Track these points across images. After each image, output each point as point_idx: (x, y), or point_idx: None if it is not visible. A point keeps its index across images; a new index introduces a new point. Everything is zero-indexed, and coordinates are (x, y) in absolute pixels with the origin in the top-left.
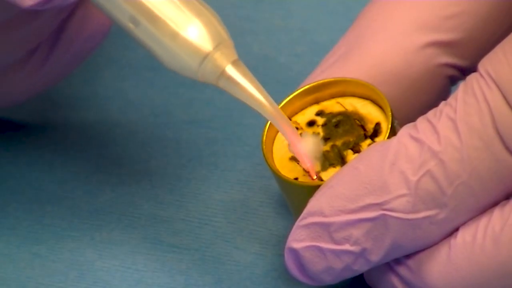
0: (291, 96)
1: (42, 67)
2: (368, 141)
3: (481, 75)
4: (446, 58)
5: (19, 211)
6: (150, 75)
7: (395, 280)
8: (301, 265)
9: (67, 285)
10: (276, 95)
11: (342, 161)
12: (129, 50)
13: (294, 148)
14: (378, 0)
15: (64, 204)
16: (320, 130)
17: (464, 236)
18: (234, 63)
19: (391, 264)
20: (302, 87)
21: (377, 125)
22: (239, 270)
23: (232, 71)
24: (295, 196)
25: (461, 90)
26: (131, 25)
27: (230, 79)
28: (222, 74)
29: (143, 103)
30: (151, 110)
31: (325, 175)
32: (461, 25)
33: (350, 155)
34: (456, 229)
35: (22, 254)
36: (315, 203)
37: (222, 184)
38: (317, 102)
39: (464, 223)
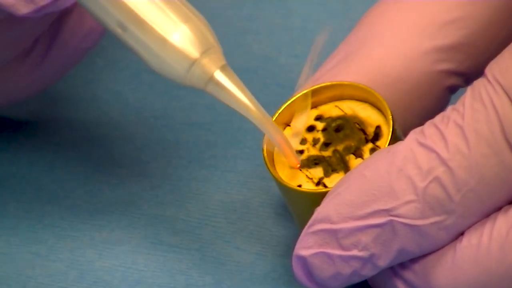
0: (289, 102)
1: (40, 65)
2: (370, 145)
3: (488, 80)
4: (446, 64)
5: (19, 211)
6: (151, 78)
7: (400, 284)
8: (309, 272)
9: (67, 285)
10: (276, 95)
11: (345, 166)
12: (130, 52)
13: (283, 151)
14: (379, 4)
15: (64, 204)
16: (320, 135)
17: (469, 239)
18: (222, 69)
19: (396, 268)
20: (299, 92)
21: (378, 128)
22: (239, 270)
23: (220, 76)
24: (298, 203)
25: (468, 96)
26: (119, 30)
27: (218, 84)
28: (211, 79)
29: (143, 106)
30: (151, 113)
31: (328, 181)
32: (462, 29)
33: (352, 160)
34: (462, 233)
35: (22, 254)
36: (323, 210)
37: (222, 184)
38: (315, 106)
39: (469, 227)
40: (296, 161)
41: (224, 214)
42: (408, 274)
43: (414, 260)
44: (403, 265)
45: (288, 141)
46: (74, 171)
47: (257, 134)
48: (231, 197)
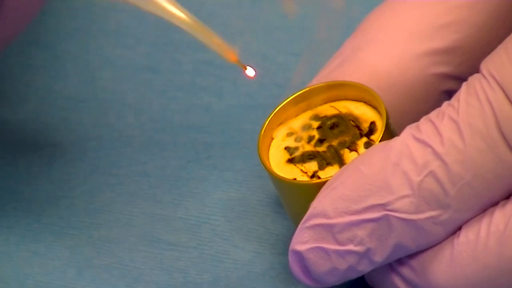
0: (284, 103)
1: None
2: (364, 139)
3: (483, 76)
4: (442, 68)
5: (18, 211)
6: (149, 78)
7: (398, 281)
8: (305, 267)
9: (65, 283)
10: (274, 94)
11: (339, 160)
12: (128, 51)
13: (214, 46)
14: (376, 10)
15: (62, 204)
16: (315, 132)
17: (467, 234)
18: None
19: (393, 264)
20: (295, 94)
21: (372, 123)
22: (237, 268)
23: None
24: (293, 197)
25: (463, 91)
26: None
27: None
28: None
29: (141, 107)
30: (149, 115)
31: (322, 174)
32: (458, 33)
33: (347, 154)
34: (459, 228)
35: (21, 253)
36: (318, 205)
37: (220, 183)
38: (310, 108)
39: (466, 222)
40: (231, 51)
41: (222, 212)
42: (405, 270)
43: (412, 256)
44: (400, 261)
45: (216, 36)
46: (73, 172)
47: (255, 135)
48: (229, 196)
